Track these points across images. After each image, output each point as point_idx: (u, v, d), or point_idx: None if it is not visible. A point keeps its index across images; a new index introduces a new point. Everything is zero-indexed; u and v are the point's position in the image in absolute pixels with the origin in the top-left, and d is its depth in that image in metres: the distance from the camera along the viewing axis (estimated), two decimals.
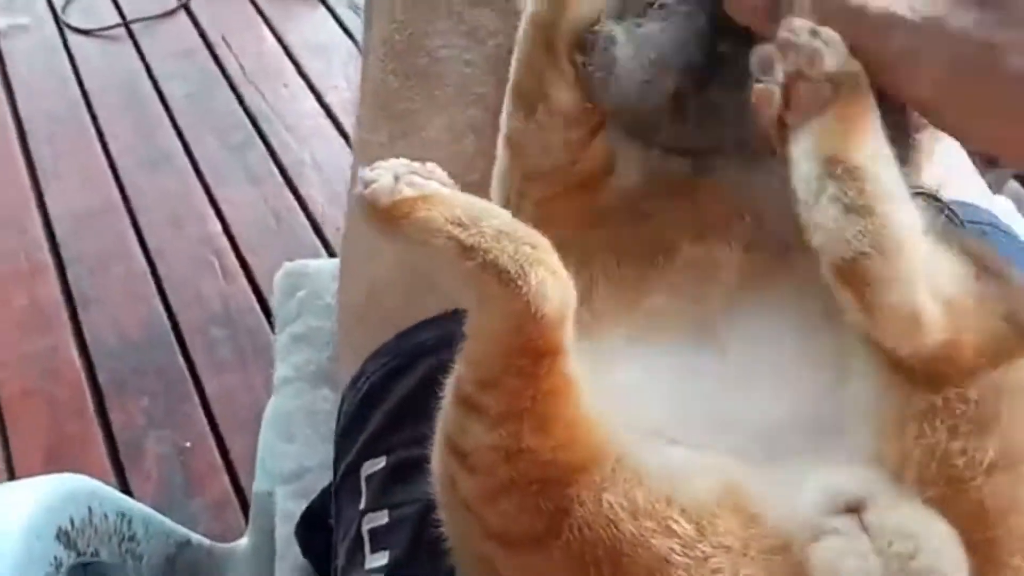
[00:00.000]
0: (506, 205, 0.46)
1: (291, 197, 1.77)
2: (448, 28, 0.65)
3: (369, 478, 0.54)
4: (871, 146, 0.36)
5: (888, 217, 0.34)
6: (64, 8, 2.19)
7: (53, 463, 1.40)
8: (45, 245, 1.71)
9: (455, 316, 0.49)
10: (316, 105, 1.93)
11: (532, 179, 0.44)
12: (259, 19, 2.13)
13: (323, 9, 2.11)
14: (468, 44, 0.64)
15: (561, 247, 0.36)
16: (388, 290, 0.59)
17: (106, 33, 2.13)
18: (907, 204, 0.35)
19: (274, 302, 0.86)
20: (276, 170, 1.82)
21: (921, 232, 0.35)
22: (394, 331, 0.56)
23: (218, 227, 1.72)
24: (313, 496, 0.69)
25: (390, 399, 0.54)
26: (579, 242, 0.40)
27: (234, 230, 1.71)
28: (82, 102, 1.99)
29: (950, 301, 0.34)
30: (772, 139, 0.38)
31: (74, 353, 1.54)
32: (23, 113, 1.98)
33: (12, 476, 1.40)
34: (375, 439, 0.55)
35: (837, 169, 0.35)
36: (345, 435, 0.58)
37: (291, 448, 0.76)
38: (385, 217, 0.37)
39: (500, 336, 0.35)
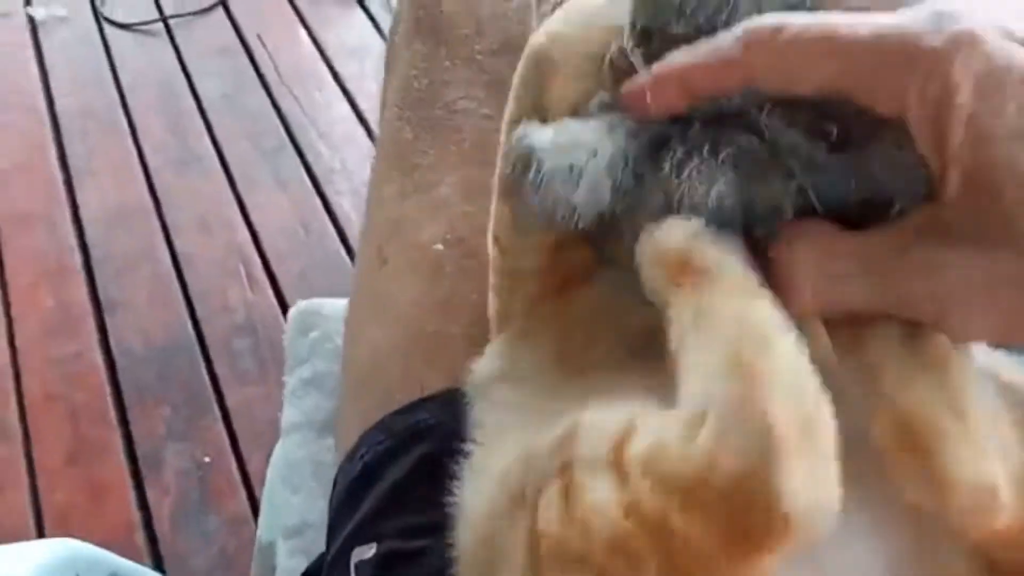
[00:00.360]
0: (499, 300, 0.43)
1: (320, 205, 1.75)
2: (468, 78, 0.61)
3: (359, 566, 0.51)
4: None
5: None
6: (103, 1, 2.18)
7: (72, 470, 1.40)
8: (75, 245, 1.71)
9: (456, 395, 0.46)
10: (349, 110, 1.91)
11: (517, 278, 0.41)
12: (296, 19, 2.10)
13: (360, 11, 2.09)
14: (488, 96, 0.61)
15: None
16: (390, 358, 0.56)
17: (144, 28, 2.12)
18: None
19: (286, 340, 0.83)
20: (306, 176, 1.80)
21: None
22: (393, 404, 0.53)
23: (246, 234, 1.70)
24: (313, 555, 0.67)
25: (383, 483, 0.51)
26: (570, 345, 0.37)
27: (262, 237, 1.69)
28: (117, 97, 1.99)
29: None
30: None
31: (99, 358, 1.54)
32: (58, 107, 1.98)
33: (33, 480, 1.40)
34: (366, 523, 0.52)
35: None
36: (339, 511, 0.56)
37: (295, 500, 0.73)
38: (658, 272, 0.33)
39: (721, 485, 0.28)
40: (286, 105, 1.93)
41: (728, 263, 0.31)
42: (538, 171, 0.32)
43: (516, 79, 0.39)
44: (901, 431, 0.30)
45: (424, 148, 0.60)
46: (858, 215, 0.31)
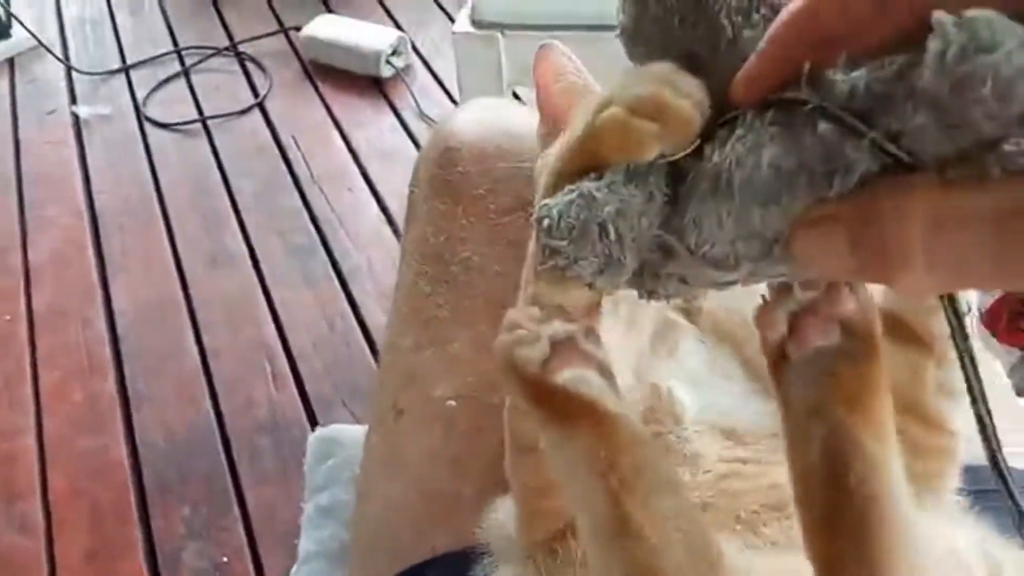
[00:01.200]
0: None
1: (346, 303, 1.79)
2: (483, 236, 0.64)
3: None
4: (880, 423, 0.33)
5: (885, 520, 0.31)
6: (145, 101, 2.27)
7: (91, 568, 1.42)
8: (107, 339, 1.75)
9: (463, 556, 0.47)
10: (377, 210, 1.96)
11: (523, 453, 0.43)
12: (329, 121, 2.18)
13: (392, 115, 2.16)
14: (502, 253, 0.63)
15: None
16: (400, 516, 0.58)
17: (183, 128, 2.21)
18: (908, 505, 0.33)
19: (306, 466, 0.85)
20: (334, 275, 1.84)
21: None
22: (402, 563, 0.55)
23: (273, 331, 1.74)
24: None
25: None
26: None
27: (288, 335, 1.73)
28: (154, 194, 2.05)
29: None
30: (767, 361, 0.35)
31: (123, 453, 1.56)
32: (97, 203, 2.05)
33: None
34: None
35: (840, 443, 0.32)
36: None
37: None
38: (528, 391, 0.32)
39: None
40: (317, 204, 1.99)
41: None
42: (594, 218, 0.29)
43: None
44: None
45: (440, 302, 0.63)
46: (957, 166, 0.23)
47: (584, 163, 0.30)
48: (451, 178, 0.66)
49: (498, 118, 0.71)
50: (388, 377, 0.64)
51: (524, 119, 0.67)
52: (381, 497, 0.60)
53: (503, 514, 0.47)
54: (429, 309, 0.64)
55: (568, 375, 0.32)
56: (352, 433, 0.83)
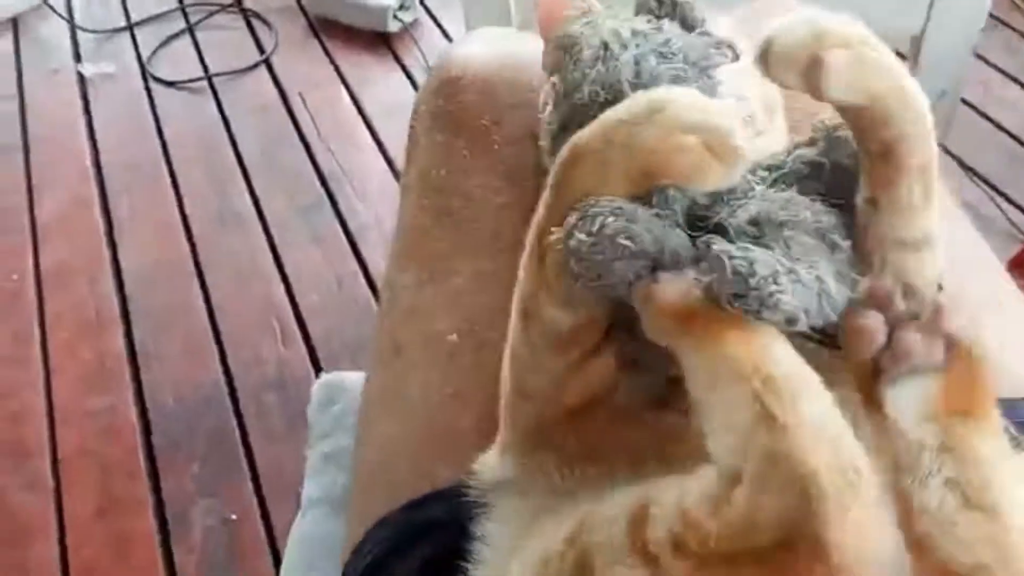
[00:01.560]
0: (512, 404, 0.43)
1: (354, 261, 1.77)
2: (486, 166, 0.62)
3: None
4: (995, 432, 0.32)
5: (1013, 527, 0.30)
6: (150, 59, 2.24)
7: (101, 525, 1.41)
8: (115, 298, 1.74)
9: (464, 491, 0.45)
10: (385, 166, 1.93)
11: (523, 396, 0.40)
12: (336, 77, 2.15)
13: (399, 71, 2.12)
14: (504, 185, 0.61)
15: None
16: (399, 453, 0.56)
17: (189, 85, 2.18)
18: None
19: (310, 413, 0.83)
20: (342, 232, 1.82)
21: None
22: (401, 499, 0.53)
23: (281, 289, 1.72)
24: None
25: None
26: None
27: (296, 293, 1.71)
28: (161, 153, 2.04)
29: None
30: (855, 381, 0.34)
31: (132, 412, 1.56)
32: (103, 161, 2.03)
33: (62, 533, 1.41)
34: None
35: (956, 450, 0.31)
36: None
37: None
38: (667, 323, 0.32)
39: (768, 554, 0.28)
40: (324, 161, 1.96)
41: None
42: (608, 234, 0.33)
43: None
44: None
45: (441, 236, 0.61)
46: None
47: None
48: (452, 108, 0.63)
49: (502, 47, 0.68)
50: (388, 314, 0.62)
51: (529, 47, 0.64)
52: (380, 435, 0.58)
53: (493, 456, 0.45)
54: (429, 243, 0.61)
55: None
56: (356, 379, 0.81)
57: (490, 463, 0.45)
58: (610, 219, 0.33)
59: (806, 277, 0.32)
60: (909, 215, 0.35)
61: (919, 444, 0.32)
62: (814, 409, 0.29)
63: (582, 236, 0.33)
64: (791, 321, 0.31)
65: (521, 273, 0.39)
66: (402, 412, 0.56)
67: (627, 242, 0.33)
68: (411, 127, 0.69)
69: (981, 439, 0.32)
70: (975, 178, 1.76)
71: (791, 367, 0.30)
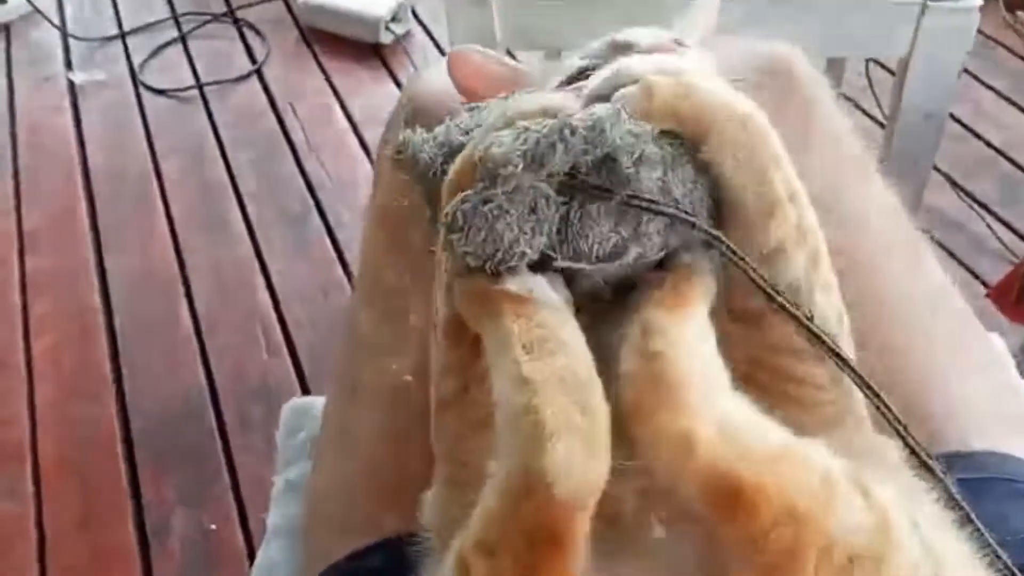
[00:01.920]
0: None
1: (341, 271, 1.77)
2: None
3: None
4: (689, 316, 0.33)
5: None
6: (141, 67, 2.25)
7: (81, 535, 1.42)
8: (100, 307, 1.74)
9: (409, 542, 0.46)
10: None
11: (443, 407, 0.40)
12: (328, 88, 2.15)
13: (390, 81, 2.13)
14: None
15: None
16: (349, 494, 0.56)
17: (180, 94, 2.18)
18: None
19: (278, 438, 0.84)
20: (329, 243, 1.82)
21: None
22: (346, 543, 0.53)
23: (267, 299, 1.73)
24: None
25: None
26: None
27: (282, 303, 1.72)
28: (150, 161, 2.04)
29: None
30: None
31: (115, 422, 1.56)
32: (92, 169, 2.04)
33: (42, 543, 1.41)
34: None
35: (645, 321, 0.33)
36: None
37: None
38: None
39: (505, 500, 0.29)
40: (312, 171, 1.97)
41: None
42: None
43: None
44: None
45: (400, 271, 0.61)
46: None
47: None
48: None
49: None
50: (347, 351, 0.62)
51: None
52: (330, 473, 0.58)
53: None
54: (388, 278, 0.62)
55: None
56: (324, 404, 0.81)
57: (430, 500, 0.46)
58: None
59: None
60: None
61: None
62: (559, 363, 0.30)
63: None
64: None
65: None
66: (352, 453, 0.57)
67: None
68: (377, 155, 0.69)
69: (669, 317, 0.32)
70: (965, 197, 1.77)
71: (548, 319, 0.32)
